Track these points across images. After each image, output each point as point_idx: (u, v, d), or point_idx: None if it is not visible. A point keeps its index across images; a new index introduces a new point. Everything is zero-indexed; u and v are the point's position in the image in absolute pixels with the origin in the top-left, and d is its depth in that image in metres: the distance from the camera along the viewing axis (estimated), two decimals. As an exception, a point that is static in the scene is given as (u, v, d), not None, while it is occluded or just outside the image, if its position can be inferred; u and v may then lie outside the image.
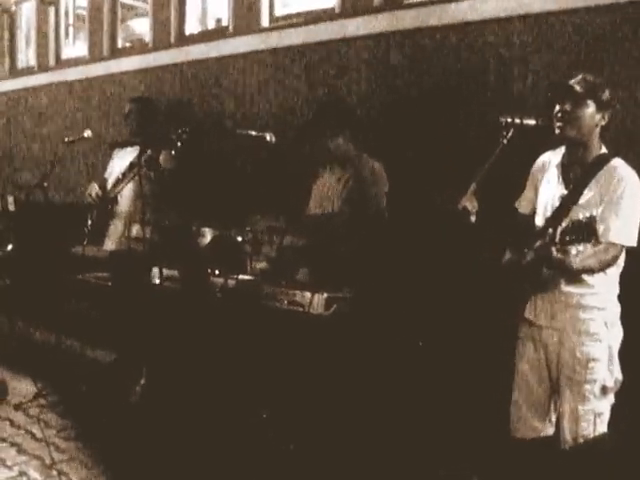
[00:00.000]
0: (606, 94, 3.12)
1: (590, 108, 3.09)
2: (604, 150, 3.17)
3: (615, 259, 3.06)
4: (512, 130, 3.26)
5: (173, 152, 4.79)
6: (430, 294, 4.08)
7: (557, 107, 3.12)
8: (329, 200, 4.40)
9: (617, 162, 3.11)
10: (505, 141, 3.26)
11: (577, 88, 3.09)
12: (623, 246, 3.04)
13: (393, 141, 4.80)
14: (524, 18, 4.25)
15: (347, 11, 5.22)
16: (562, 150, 3.26)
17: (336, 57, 5.29)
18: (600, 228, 2.97)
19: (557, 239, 2.90)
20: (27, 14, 8.83)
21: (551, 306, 3.21)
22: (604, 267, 3.07)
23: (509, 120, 3.28)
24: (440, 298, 4.06)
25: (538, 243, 3.03)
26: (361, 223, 4.15)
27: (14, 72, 8.99)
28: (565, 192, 3.15)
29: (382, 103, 5.00)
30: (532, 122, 3.30)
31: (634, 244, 3.05)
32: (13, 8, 8.22)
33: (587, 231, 2.79)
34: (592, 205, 3.02)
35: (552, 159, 3.30)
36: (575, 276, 3.10)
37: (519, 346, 3.34)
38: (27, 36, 8.89)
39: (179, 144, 4.50)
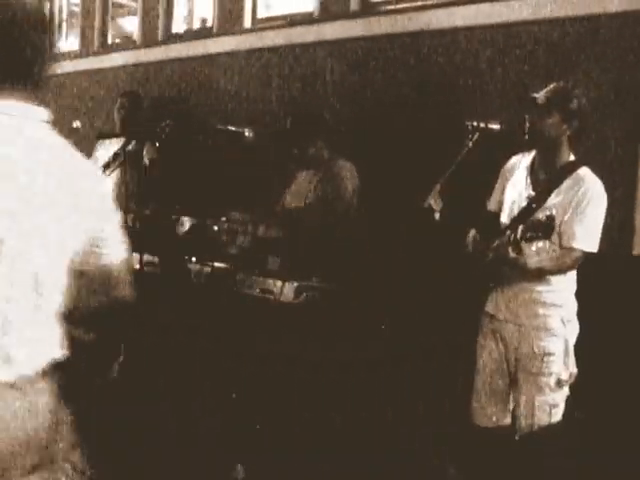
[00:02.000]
0: (574, 104, 3.15)
1: (554, 119, 3.14)
2: (572, 158, 3.22)
3: (576, 263, 3.15)
4: (477, 134, 3.34)
5: (157, 144, 4.85)
6: (398, 285, 4.09)
7: (526, 117, 3.19)
8: (301, 198, 4.49)
9: (584, 171, 3.18)
10: (470, 144, 3.34)
11: (541, 100, 3.14)
12: (584, 251, 3.12)
13: (368, 143, 4.82)
14: (496, 27, 4.33)
15: (325, 16, 5.30)
16: (533, 153, 3.32)
17: (314, 59, 5.36)
18: (564, 234, 3.07)
19: (518, 236, 2.98)
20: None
21: (511, 302, 3.28)
22: (564, 270, 3.17)
23: (474, 124, 3.36)
24: (407, 290, 4.06)
25: (497, 242, 3.11)
26: (330, 216, 4.23)
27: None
28: (532, 194, 3.20)
29: (355, 105, 5.06)
30: (496, 127, 3.37)
31: (595, 250, 3.13)
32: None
33: (545, 229, 2.90)
34: (557, 210, 3.08)
35: (522, 161, 3.34)
36: (531, 275, 3.17)
37: (480, 338, 3.43)
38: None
39: (162, 136, 4.54)
